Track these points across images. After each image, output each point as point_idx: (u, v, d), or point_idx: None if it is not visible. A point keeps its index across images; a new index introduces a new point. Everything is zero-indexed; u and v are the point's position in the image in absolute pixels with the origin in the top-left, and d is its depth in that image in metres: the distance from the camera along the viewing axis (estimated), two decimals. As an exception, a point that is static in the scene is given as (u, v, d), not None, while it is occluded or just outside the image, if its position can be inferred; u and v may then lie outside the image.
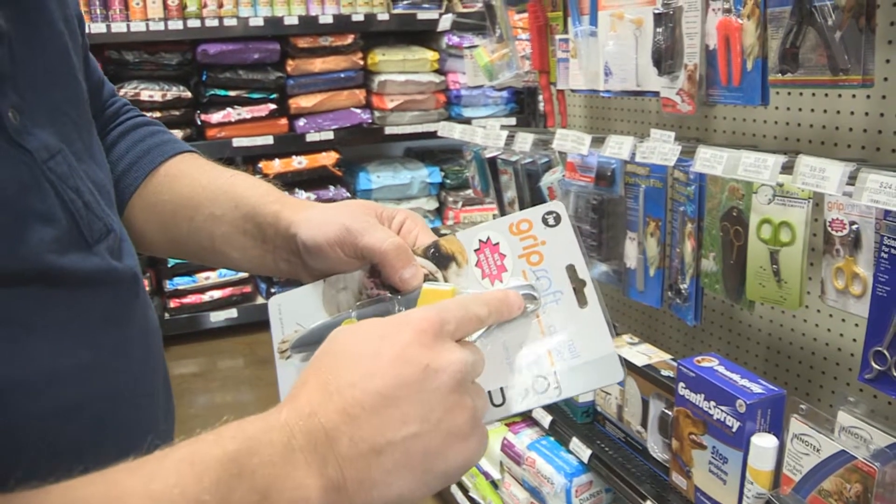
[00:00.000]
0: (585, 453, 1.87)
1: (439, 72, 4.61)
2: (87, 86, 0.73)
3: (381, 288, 0.72)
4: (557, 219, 0.71)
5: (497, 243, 0.71)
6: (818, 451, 1.31)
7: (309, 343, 0.71)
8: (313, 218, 0.75)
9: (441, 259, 0.72)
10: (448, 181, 4.78)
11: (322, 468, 0.51)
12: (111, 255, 0.64)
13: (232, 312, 4.37)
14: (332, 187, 4.49)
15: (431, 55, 4.53)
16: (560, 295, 0.68)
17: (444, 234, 0.74)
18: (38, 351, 0.55)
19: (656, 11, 1.58)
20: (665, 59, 1.58)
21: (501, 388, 0.66)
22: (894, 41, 1.49)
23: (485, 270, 0.71)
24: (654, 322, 2.35)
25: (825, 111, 1.71)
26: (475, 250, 0.71)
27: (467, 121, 3.29)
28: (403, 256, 0.69)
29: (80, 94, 0.70)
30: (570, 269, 0.69)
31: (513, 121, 4.64)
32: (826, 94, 1.69)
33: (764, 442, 1.41)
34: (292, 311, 0.75)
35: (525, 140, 2.09)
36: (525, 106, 4.66)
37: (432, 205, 4.73)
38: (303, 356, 0.71)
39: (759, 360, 1.97)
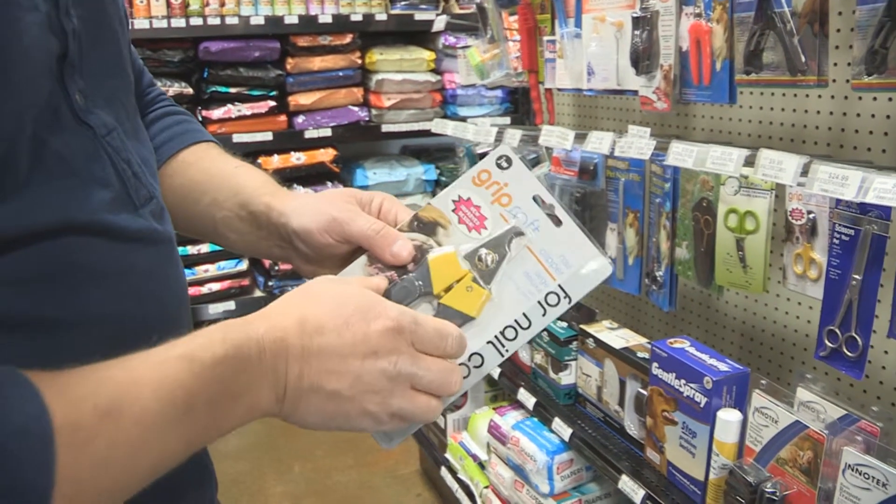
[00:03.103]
0: (567, 432, 1.97)
1: (436, 71, 4.71)
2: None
3: (383, 272, 0.81)
4: (509, 161, 0.81)
5: (469, 198, 0.81)
6: (776, 422, 1.42)
7: None
8: (302, 208, 0.86)
9: (426, 227, 0.81)
10: (443, 178, 4.88)
11: (275, 385, 0.65)
12: (154, 218, 0.75)
13: (230, 305, 4.46)
14: (329, 183, 4.59)
15: (428, 55, 4.64)
16: (537, 223, 0.80)
17: (420, 206, 0.84)
18: (94, 296, 0.66)
19: (634, 15, 1.69)
20: (642, 59, 1.69)
21: (524, 313, 0.78)
22: (842, 46, 1.61)
23: (469, 224, 0.81)
24: (635, 309, 2.46)
25: (794, 110, 1.82)
26: (452, 210, 0.81)
27: (463, 119, 3.40)
28: (387, 235, 0.80)
29: (129, 84, 0.81)
30: (537, 199, 0.80)
31: (507, 120, 4.73)
32: (795, 95, 1.80)
33: (728, 416, 1.52)
34: None
35: (513, 136, 2.20)
36: (520, 105, 4.76)
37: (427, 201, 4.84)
38: None
39: (731, 342, 2.08)
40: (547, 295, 0.78)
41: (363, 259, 0.82)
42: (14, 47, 0.59)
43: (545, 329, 2.08)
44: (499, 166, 0.81)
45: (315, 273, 0.83)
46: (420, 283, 0.78)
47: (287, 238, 0.87)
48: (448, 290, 0.78)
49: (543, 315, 0.78)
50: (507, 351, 0.78)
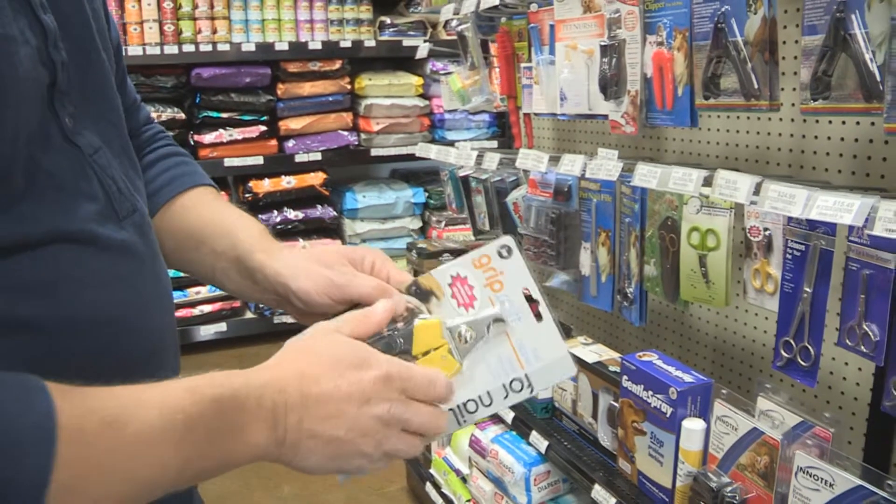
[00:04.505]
0: (543, 445, 2.03)
1: (424, 96, 4.81)
2: (123, 102, 0.92)
3: None
4: (510, 251, 0.90)
5: (465, 277, 0.90)
6: (736, 430, 1.49)
7: None
8: (298, 269, 0.93)
9: (422, 294, 0.91)
10: (431, 201, 4.97)
11: (275, 429, 0.72)
12: (137, 232, 0.82)
13: (221, 326, 4.52)
14: (319, 206, 4.67)
15: (416, 80, 4.74)
16: (520, 314, 0.88)
17: (421, 274, 0.93)
18: (84, 304, 0.73)
19: (602, 44, 1.77)
20: (610, 85, 1.77)
21: (488, 392, 0.87)
22: (788, 73, 1.70)
23: (459, 300, 0.90)
24: (610, 326, 2.53)
25: (758, 133, 1.90)
26: (449, 284, 0.90)
27: (451, 143, 3.48)
28: (385, 292, 0.88)
29: (116, 105, 0.88)
30: (526, 292, 0.88)
31: (494, 143, 4.83)
32: (759, 118, 1.89)
33: (693, 425, 1.58)
34: None
35: (492, 159, 2.28)
36: (506, 129, 4.86)
37: (416, 224, 4.91)
38: None
39: (701, 355, 2.15)
40: (512, 381, 0.87)
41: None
42: (10, 77, 0.66)
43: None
44: (499, 255, 0.89)
45: (311, 320, 0.90)
46: (402, 341, 0.86)
47: (284, 295, 0.94)
48: (426, 354, 0.86)
49: (505, 398, 0.87)
50: (465, 421, 0.87)
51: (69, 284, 0.72)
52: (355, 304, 0.90)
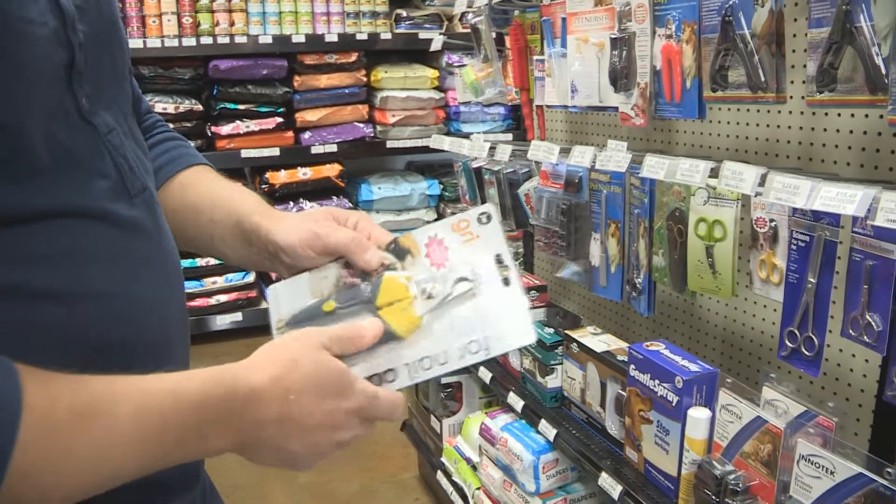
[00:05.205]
0: (552, 433, 2.06)
1: (439, 89, 4.83)
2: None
3: (355, 276, 0.94)
4: (489, 217, 0.92)
5: (442, 239, 0.93)
6: (740, 418, 1.51)
7: (301, 320, 0.93)
8: (287, 226, 0.99)
9: (399, 252, 0.94)
10: (447, 193, 4.99)
11: (242, 436, 0.76)
12: (147, 210, 0.86)
13: (237, 316, 4.57)
14: (335, 198, 4.71)
15: (432, 73, 4.76)
16: (490, 278, 0.90)
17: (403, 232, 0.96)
18: (97, 276, 0.76)
19: (612, 36, 1.79)
20: (620, 78, 1.79)
21: (444, 350, 0.88)
22: (798, 65, 1.70)
23: (433, 260, 0.92)
24: (619, 316, 2.55)
25: (767, 125, 1.91)
26: (426, 244, 0.93)
27: (466, 136, 3.51)
28: (361, 244, 0.93)
29: (127, 94, 0.93)
30: (498, 257, 0.90)
31: (509, 136, 4.84)
32: (768, 111, 1.90)
33: (698, 414, 1.60)
34: (285, 295, 0.97)
35: (505, 151, 2.30)
36: (521, 122, 4.87)
37: (431, 216, 4.94)
38: (295, 331, 0.90)
39: (709, 346, 2.16)
40: (470, 342, 0.88)
41: (339, 263, 0.95)
42: (26, 55, 0.70)
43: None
44: (479, 220, 0.92)
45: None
46: (369, 291, 0.90)
47: (274, 252, 0.99)
48: (390, 305, 0.89)
49: (461, 358, 0.88)
50: (418, 377, 0.88)
51: (81, 256, 0.75)
52: (346, 262, 0.94)
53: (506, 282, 0.89)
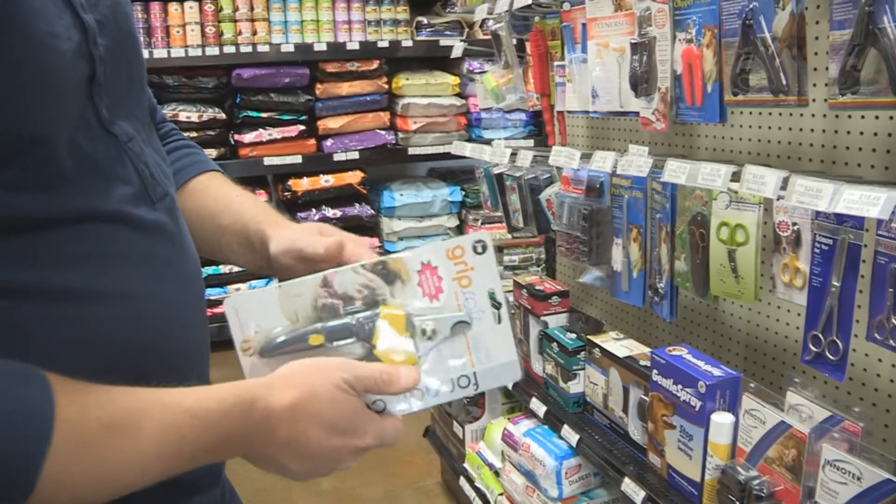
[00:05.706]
0: (574, 438, 2.06)
1: (460, 95, 4.84)
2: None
3: (332, 297, 0.91)
4: (484, 247, 0.91)
5: (436, 267, 0.91)
6: (764, 423, 1.50)
7: (282, 351, 0.89)
8: (280, 234, 1.03)
9: (388, 275, 0.91)
10: (468, 200, 4.99)
11: (248, 448, 0.80)
12: (168, 214, 0.89)
13: (260, 323, 4.60)
14: (357, 205, 4.73)
15: (453, 80, 4.77)
16: (482, 314, 0.91)
17: (394, 253, 0.95)
18: (122, 277, 0.79)
19: (633, 41, 1.79)
20: (641, 82, 1.79)
21: (438, 386, 0.90)
22: (820, 68, 1.69)
23: (425, 290, 0.91)
24: (641, 321, 2.54)
25: (790, 129, 1.90)
26: (417, 271, 0.91)
27: (487, 142, 3.52)
28: (334, 254, 0.97)
29: (144, 105, 0.96)
30: (491, 293, 0.91)
31: (531, 142, 4.84)
32: (790, 114, 1.89)
33: (721, 419, 1.59)
34: (250, 312, 0.90)
35: (526, 157, 2.30)
36: (542, 128, 4.86)
37: (453, 222, 4.95)
38: (271, 360, 0.89)
39: (733, 351, 2.15)
40: (460, 377, 0.90)
41: (317, 277, 0.91)
42: (55, 68, 0.73)
43: (555, 340, 2.17)
44: (474, 249, 0.91)
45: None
46: (367, 328, 0.89)
47: (270, 259, 1.04)
48: (386, 350, 0.89)
49: (451, 391, 0.90)
50: (409, 408, 0.89)
51: (107, 258, 0.78)
52: (324, 280, 0.90)
53: (497, 319, 0.91)
